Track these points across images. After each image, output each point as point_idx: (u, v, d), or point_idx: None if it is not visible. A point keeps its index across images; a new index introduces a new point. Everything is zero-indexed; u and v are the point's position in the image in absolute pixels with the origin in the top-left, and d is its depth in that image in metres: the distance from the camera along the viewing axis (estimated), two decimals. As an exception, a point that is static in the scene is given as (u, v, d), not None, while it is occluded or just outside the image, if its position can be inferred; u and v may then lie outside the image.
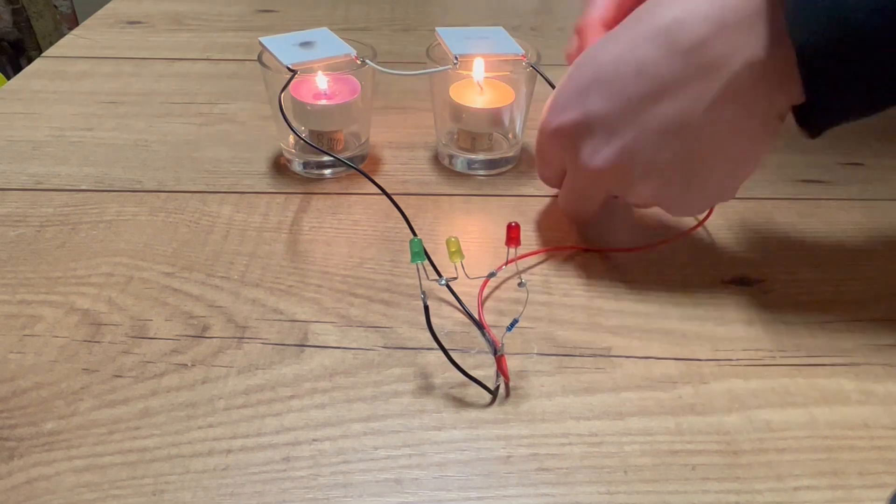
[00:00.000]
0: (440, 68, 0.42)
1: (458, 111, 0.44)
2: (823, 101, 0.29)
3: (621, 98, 0.32)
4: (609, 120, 0.32)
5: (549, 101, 0.36)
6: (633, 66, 0.31)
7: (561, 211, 0.40)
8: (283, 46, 0.42)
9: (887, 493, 0.27)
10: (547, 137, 0.36)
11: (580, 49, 0.39)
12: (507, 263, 0.36)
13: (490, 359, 0.32)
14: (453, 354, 0.30)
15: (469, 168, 0.46)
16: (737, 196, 0.35)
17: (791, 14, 0.27)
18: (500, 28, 0.46)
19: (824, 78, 0.28)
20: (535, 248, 0.39)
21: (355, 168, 0.39)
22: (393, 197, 0.37)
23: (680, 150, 0.32)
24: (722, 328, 0.34)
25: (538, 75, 0.44)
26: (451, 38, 0.44)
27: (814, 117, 0.30)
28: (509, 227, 0.33)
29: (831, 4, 0.26)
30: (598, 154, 0.33)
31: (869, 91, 0.28)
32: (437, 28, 0.45)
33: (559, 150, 0.36)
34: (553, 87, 0.42)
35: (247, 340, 0.33)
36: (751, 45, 0.29)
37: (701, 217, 0.41)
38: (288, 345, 0.33)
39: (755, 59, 0.29)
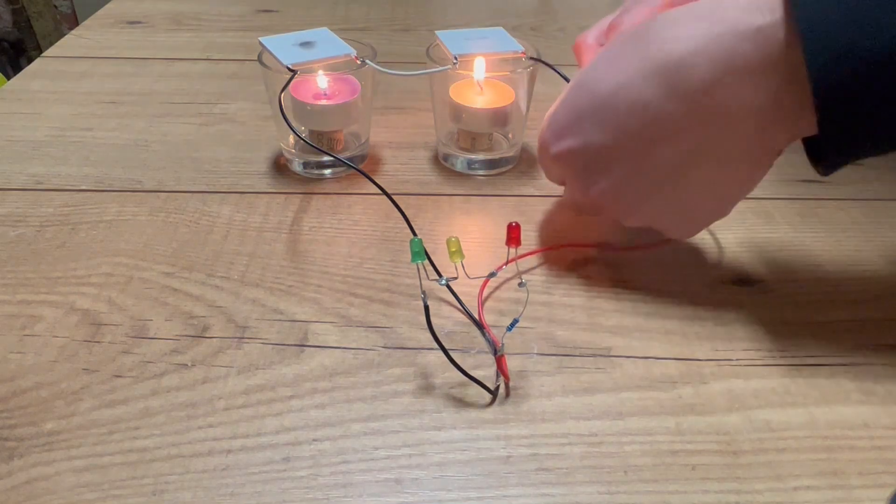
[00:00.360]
0: (440, 68, 0.42)
1: (458, 111, 0.44)
2: (838, 139, 0.28)
3: (618, 134, 0.31)
4: (605, 154, 0.32)
5: (547, 117, 0.36)
6: (632, 103, 0.30)
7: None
8: (283, 46, 0.42)
9: (887, 493, 0.27)
10: (546, 158, 0.36)
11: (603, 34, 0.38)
12: (507, 263, 0.36)
13: (490, 359, 0.32)
14: (453, 354, 0.30)
15: (469, 168, 0.46)
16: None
17: (810, 52, 0.26)
18: (500, 28, 0.46)
19: (840, 116, 0.27)
20: (535, 247, 0.39)
21: (355, 168, 0.39)
22: (393, 197, 0.37)
23: (674, 188, 0.32)
24: (722, 328, 0.34)
25: (538, 76, 0.44)
26: (450, 40, 0.44)
27: (828, 155, 0.29)
28: (509, 226, 0.33)
29: (851, 40, 0.26)
30: (594, 186, 0.34)
31: (884, 129, 0.27)
32: (437, 32, 0.45)
33: (558, 170, 0.36)
34: (564, 78, 0.41)
35: (247, 340, 0.33)
36: (758, 92, 0.28)
37: None
38: (288, 345, 0.33)
39: (760, 107, 0.28)
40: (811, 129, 0.28)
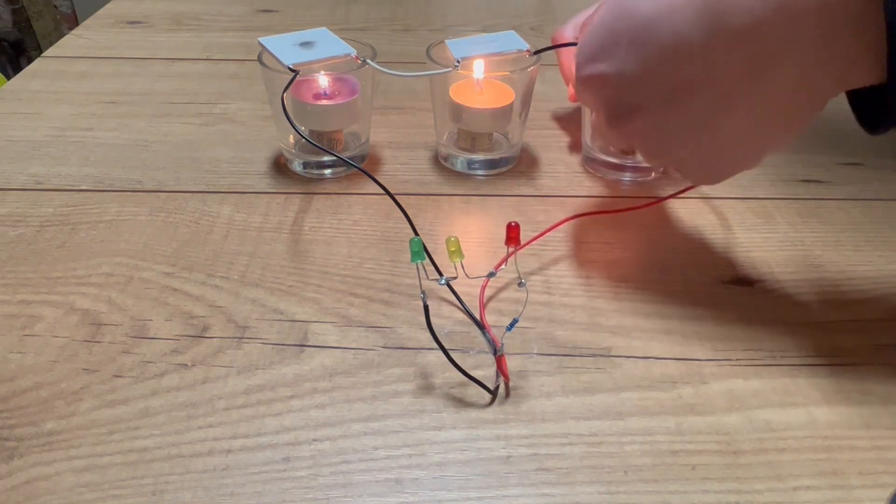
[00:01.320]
0: (440, 70, 0.42)
1: (458, 111, 0.44)
2: None
3: (654, 67, 0.30)
4: (638, 89, 0.31)
5: (581, 36, 0.34)
6: (671, 40, 0.28)
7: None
8: (283, 46, 0.42)
9: (887, 493, 0.27)
10: (580, 82, 0.34)
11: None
12: (506, 260, 0.36)
13: (490, 359, 0.32)
14: (453, 354, 0.30)
15: (469, 168, 0.46)
16: (736, 196, 0.35)
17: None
18: (512, 32, 0.45)
19: None
20: (535, 247, 0.39)
21: (357, 167, 0.39)
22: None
23: (706, 133, 0.31)
24: (722, 328, 0.34)
25: (538, 76, 0.43)
26: (457, 46, 0.43)
27: (891, 107, 0.27)
28: (509, 226, 0.33)
29: None
30: (623, 120, 0.32)
31: None
32: (446, 41, 0.44)
33: (588, 95, 0.35)
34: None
35: (247, 340, 0.33)
36: (810, 35, 0.26)
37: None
38: (288, 345, 0.33)
39: (812, 54, 0.26)
40: (862, 79, 0.27)
